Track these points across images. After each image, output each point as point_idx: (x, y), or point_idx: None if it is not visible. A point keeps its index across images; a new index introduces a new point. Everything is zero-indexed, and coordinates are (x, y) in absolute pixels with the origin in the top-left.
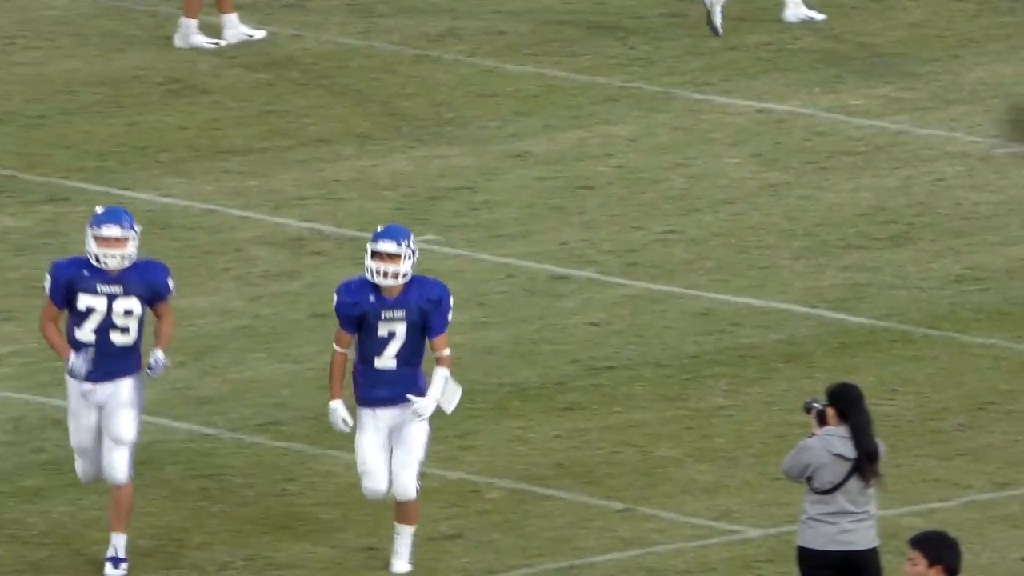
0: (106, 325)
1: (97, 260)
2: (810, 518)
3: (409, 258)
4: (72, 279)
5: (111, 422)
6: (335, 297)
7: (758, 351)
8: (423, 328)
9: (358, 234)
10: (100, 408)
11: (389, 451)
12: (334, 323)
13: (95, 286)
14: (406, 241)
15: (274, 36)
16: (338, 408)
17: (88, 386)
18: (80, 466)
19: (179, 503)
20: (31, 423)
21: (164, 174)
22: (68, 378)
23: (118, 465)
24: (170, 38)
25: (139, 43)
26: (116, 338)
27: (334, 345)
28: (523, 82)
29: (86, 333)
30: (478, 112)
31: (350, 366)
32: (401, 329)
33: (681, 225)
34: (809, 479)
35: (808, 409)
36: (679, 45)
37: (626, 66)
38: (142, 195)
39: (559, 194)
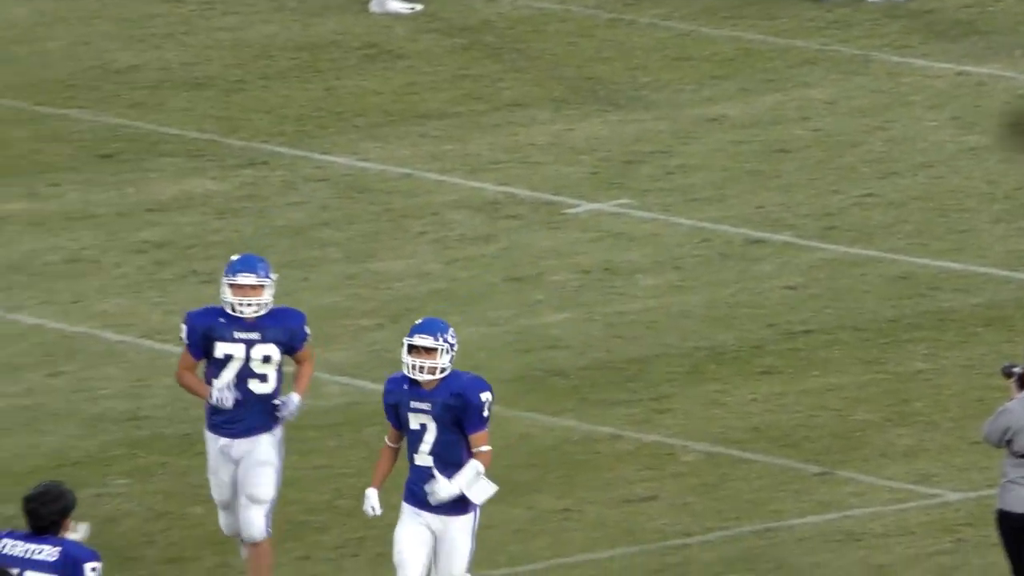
0: (244, 373)
1: (232, 308)
2: (1010, 481)
3: (447, 352)
4: (209, 328)
5: (247, 480)
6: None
7: (957, 315)
8: (459, 425)
9: (553, 198)
10: (236, 463)
11: (430, 548)
12: (529, 287)
13: (232, 334)
14: (443, 335)
15: (470, 1)
16: (371, 495)
17: (226, 441)
18: (223, 520)
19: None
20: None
21: (361, 138)
22: (207, 433)
23: (255, 523)
24: (367, 3)
25: (336, 8)
26: (255, 386)
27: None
28: (719, 45)
29: (223, 384)
30: (674, 76)
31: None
32: (431, 423)
33: (879, 189)
34: (1009, 442)
35: (1007, 373)
36: (877, 8)
37: (823, 29)
38: (339, 159)
39: (755, 158)
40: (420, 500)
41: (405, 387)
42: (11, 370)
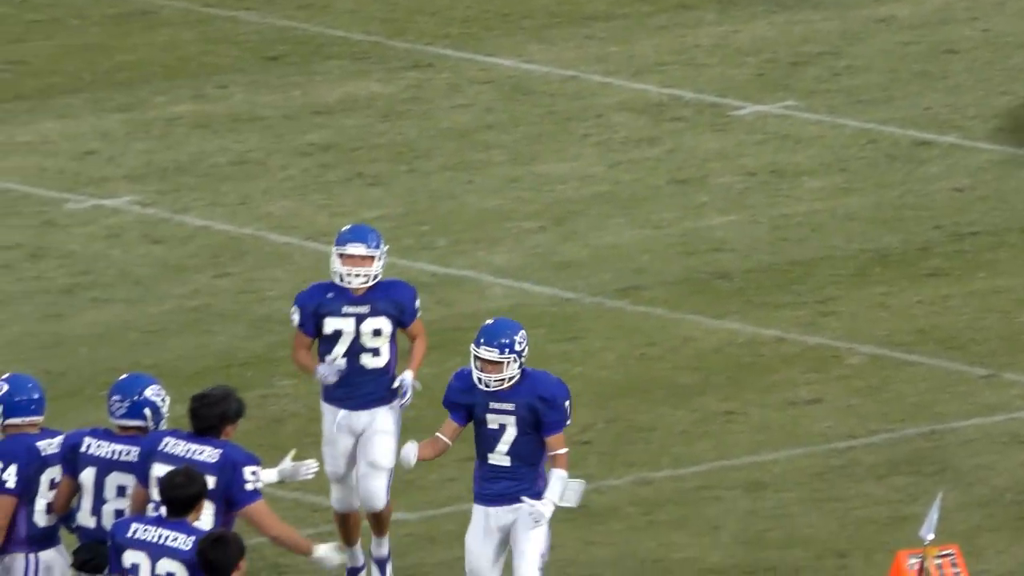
0: (356, 348)
1: (341, 279)
2: None
3: (514, 362)
4: (318, 304)
5: (368, 448)
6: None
7: None
8: (538, 426)
9: (719, 100)
10: (356, 435)
11: (503, 549)
12: (694, 190)
13: (341, 308)
14: (509, 349)
15: None
16: (411, 449)
17: (344, 413)
18: (336, 494)
19: (541, 366)
20: None
21: (526, 40)
22: (324, 405)
23: (377, 492)
24: None
25: None
26: (367, 360)
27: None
28: None
29: (336, 358)
30: None
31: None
32: (511, 424)
33: None
34: None
35: None
36: None
37: None
38: (504, 61)
39: (923, 59)
40: (490, 498)
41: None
42: (179, 271)
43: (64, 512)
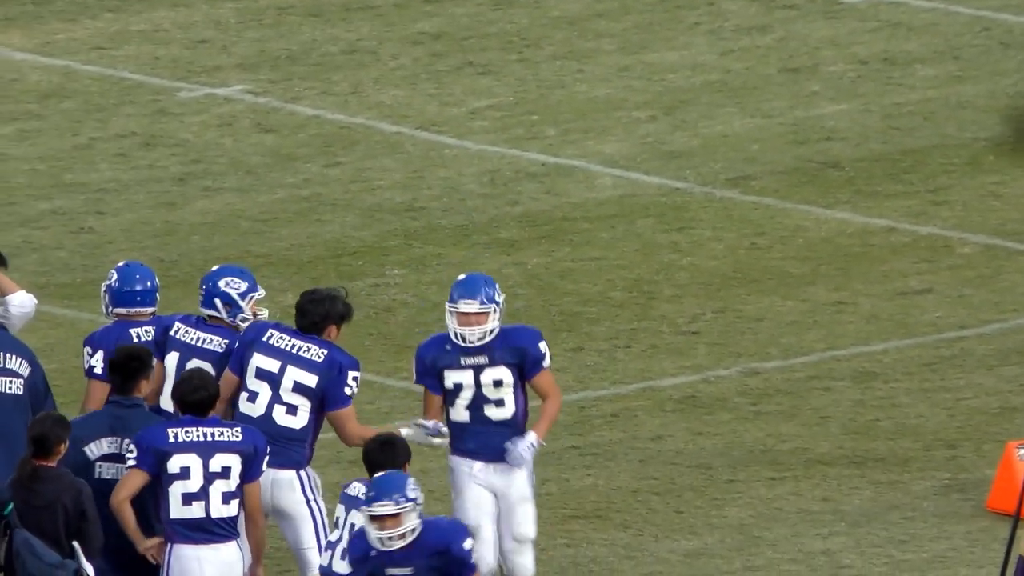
0: (479, 400)
1: (456, 336)
2: None
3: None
4: (435, 358)
5: (512, 520)
6: None
7: None
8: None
9: None
10: (492, 491)
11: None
12: (805, 78)
13: (459, 360)
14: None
15: None
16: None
17: (480, 466)
18: (479, 550)
19: (650, 256)
20: (506, 176)
21: None
22: (453, 458)
23: (525, 566)
24: None
25: None
26: (492, 413)
27: None
28: None
29: (459, 412)
30: None
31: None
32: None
33: None
34: None
35: None
36: None
37: None
38: None
39: None
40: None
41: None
42: (290, 160)
43: (155, 399)
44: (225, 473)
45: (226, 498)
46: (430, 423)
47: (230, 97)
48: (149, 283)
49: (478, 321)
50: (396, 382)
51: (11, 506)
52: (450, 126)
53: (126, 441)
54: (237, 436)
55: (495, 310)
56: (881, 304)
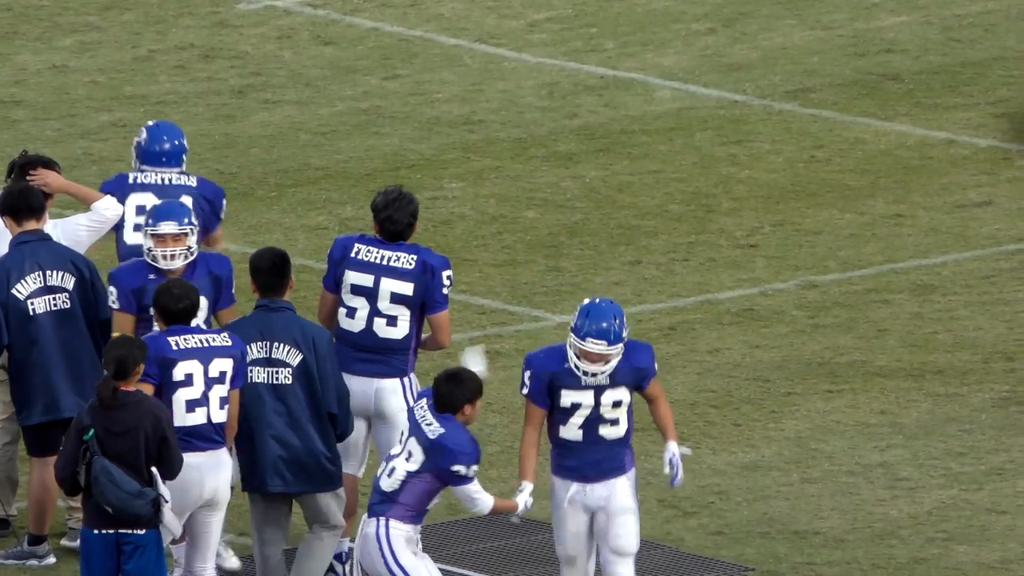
0: (595, 420)
1: (579, 371)
2: None
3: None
4: (555, 375)
5: (611, 531)
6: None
7: None
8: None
9: None
10: (591, 511)
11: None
12: None
13: (580, 380)
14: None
15: None
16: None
17: (576, 488)
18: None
19: (708, 169)
20: (565, 89)
21: None
22: (555, 479)
23: None
24: None
25: None
26: (606, 431)
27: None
28: None
29: (572, 430)
30: None
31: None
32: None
33: None
34: None
35: None
36: None
37: None
38: None
39: None
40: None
41: None
42: (349, 73)
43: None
44: (221, 378)
45: (222, 403)
46: (519, 513)
47: (289, 9)
48: (177, 142)
49: (605, 360)
50: (455, 295)
51: (92, 432)
52: (508, 39)
53: (275, 343)
54: (228, 341)
55: (617, 352)
56: (940, 217)
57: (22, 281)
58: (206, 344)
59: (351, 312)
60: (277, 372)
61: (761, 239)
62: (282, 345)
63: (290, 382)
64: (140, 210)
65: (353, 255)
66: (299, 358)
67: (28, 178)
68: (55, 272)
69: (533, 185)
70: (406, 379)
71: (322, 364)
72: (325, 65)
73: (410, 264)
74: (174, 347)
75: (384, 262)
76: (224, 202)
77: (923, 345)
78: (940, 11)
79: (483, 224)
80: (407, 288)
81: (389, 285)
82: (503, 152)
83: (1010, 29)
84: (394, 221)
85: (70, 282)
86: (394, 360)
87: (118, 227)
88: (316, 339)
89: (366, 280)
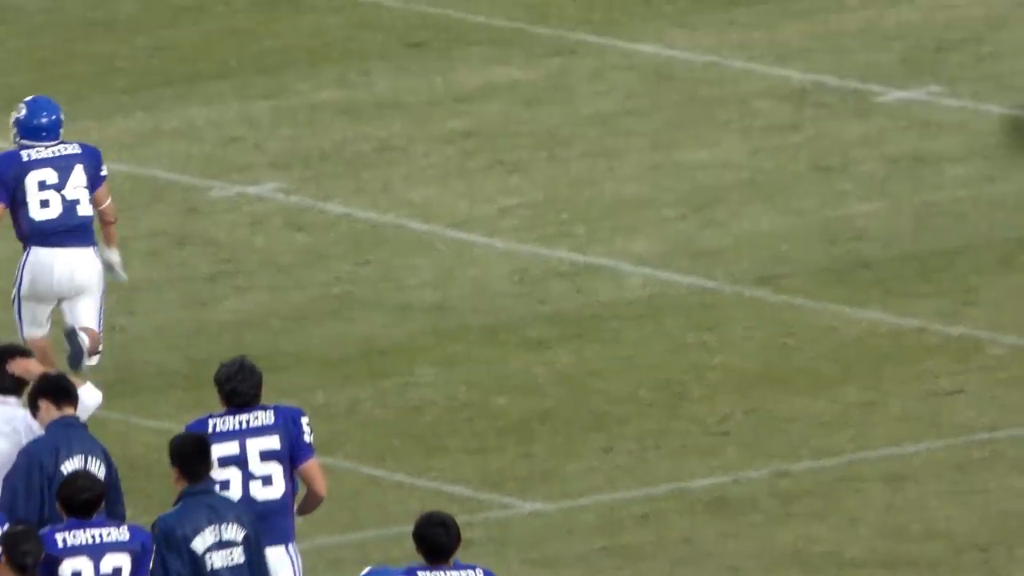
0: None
1: None
2: None
3: None
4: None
5: None
6: None
7: None
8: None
9: (861, 86)
10: None
11: None
12: (836, 177)
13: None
14: None
15: None
16: None
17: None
18: None
19: (679, 356)
20: (535, 274)
21: (668, 26)
22: None
23: None
24: None
25: None
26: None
27: None
28: None
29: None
30: None
31: None
32: None
33: None
34: None
35: None
36: None
37: None
38: (646, 47)
39: None
40: None
41: None
42: (321, 259)
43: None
44: (116, 574)
45: None
46: None
47: (262, 195)
48: (55, 116)
49: None
50: (426, 482)
51: None
52: (480, 224)
53: (223, 524)
54: (125, 535)
55: None
56: (912, 405)
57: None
58: (97, 539)
59: (224, 485)
60: (231, 553)
61: (733, 426)
62: (229, 525)
63: (243, 560)
64: (42, 185)
65: (210, 432)
66: (243, 533)
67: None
68: (93, 459)
69: (504, 371)
70: (291, 546)
71: (258, 535)
72: (297, 251)
73: (270, 419)
74: (60, 544)
75: (244, 426)
76: (103, 162)
77: (896, 535)
78: (910, 199)
79: (454, 411)
80: (274, 442)
81: (256, 444)
82: (474, 338)
83: (980, 217)
84: (239, 393)
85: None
86: (279, 523)
87: (21, 204)
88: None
89: (231, 449)
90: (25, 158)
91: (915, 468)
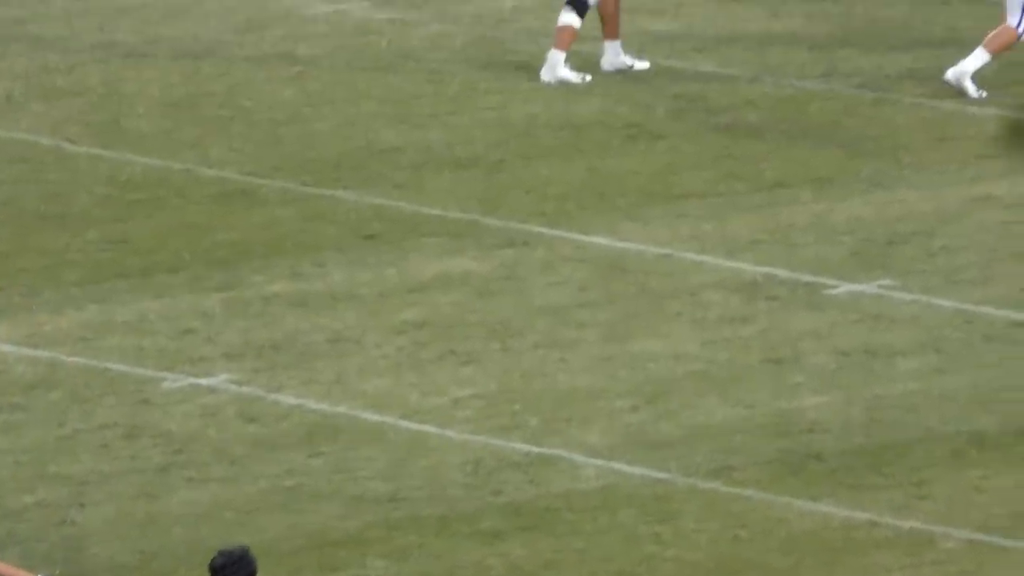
0: None
1: None
2: None
3: None
4: None
5: None
6: None
7: None
8: None
9: (813, 279)
10: None
11: None
12: (788, 369)
13: None
14: None
15: (733, 80)
16: None
17: None
18: None
19: (632, 548)
20: (489, 465)
21: (621, 218)
22: None
23: None
24: (635, 82)
25: (600, 87)
26: None
27: None
28: (984, 124)
29: None
30: (938, 155)
31: None
32: None
33: None
34: None
35: None
36: None
37: None
38: (599, 239)
39: (1021, 239)
40: None
41: None
42: (273, 450)
43: None
44: None
45: None
46: None
47: (214, 387)
48: None
49: None
50: None
51: None
52: (433, 415)
53: None
54: None
55: None
56: None
57: None
58: None
59: None
60: None
61: None
62: None
63: None
64: None
65: None
66: None
67: None
68: None
69: (457, 563)
70: None
71: None
72: (249, 442)
73: None
74: None
75: None
76: None
77: None
78: (862, 391)
79: None
80: None
81: None
82: (427, 529)
83: (932, 410)
84: None
85: None
86: None
87: None
88: None
89: None
90: None
91: None
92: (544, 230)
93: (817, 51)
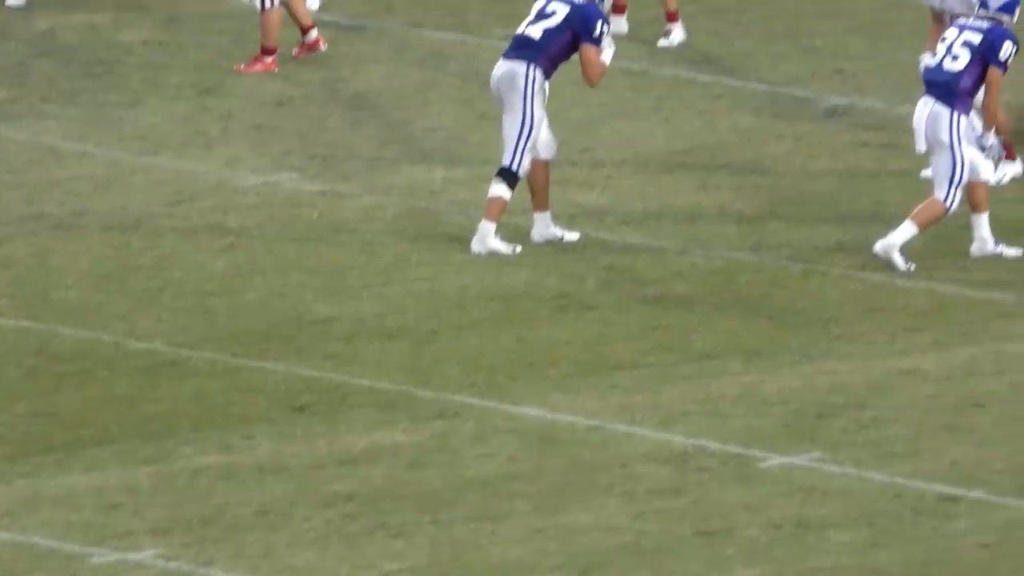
0: None
1: None
2: None
3: None
4: None
5: None
6: None
7: None
8: None
9: (744, 451)
10: None
11: None
12: (720, 542)
13: None
14: None
15: (663, 252)
16: None
17: None
18: None
19: None
20: None
21: (552, 389)
22: None
23: None
24: (565, 254)
25: (530, 258)
26: None
27: None
28: (913, 297)
29: None
30: (867, 327)
31: None
32: None
33: None
34: None
35: None
36: None
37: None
38: (529, 410)
39: (949, 412)
40: None
41: None
42: None
43: None
44: None
45: None
46: None
47: (141, 562)
48: None
49: None
50: None
51: None
52: None
53: None
54: None
55: None
56: None
57: None
58: None
59: None
60: None
61: None
62: None
63: None
64: None
65: None
66: None
67: None
68: None
69: None
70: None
71: None
72: None
73: None
74: None
75: None
76: None
77: None
78: (794, 564)
79: None
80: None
81: None
82: None
83: None
84: None
85: None
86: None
87: None
88: None
89: None
90: None
91: None
92: (475, 401)
93: (746, 224)
